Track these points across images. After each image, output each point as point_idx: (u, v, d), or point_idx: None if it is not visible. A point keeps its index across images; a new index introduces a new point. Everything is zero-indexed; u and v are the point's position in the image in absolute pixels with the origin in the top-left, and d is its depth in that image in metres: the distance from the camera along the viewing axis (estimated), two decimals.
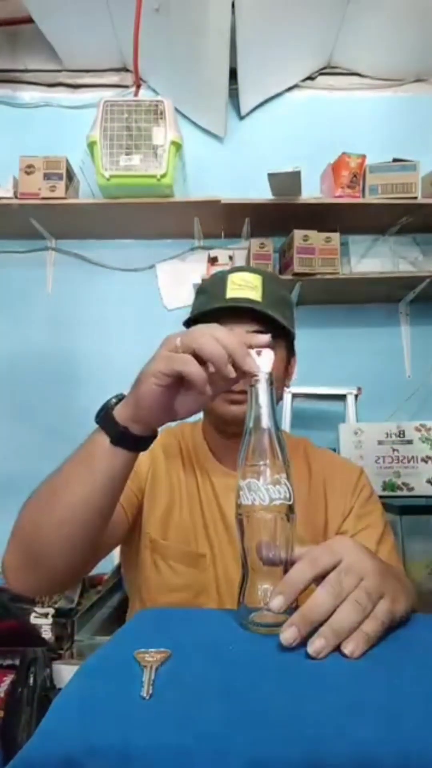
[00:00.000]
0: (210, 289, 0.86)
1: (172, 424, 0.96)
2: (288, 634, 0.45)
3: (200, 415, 0.94)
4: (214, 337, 0.55)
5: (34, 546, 0.64)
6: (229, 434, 0.85)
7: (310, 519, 0.84)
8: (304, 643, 0.45)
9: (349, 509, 0.86)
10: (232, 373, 0.55)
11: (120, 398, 0.63)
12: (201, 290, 0.90)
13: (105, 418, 0.62)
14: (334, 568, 0.49)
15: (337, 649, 0.45)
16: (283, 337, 0.85)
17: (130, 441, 0.61)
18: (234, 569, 0.81)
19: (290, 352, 0.89)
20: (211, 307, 0.82)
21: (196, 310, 0.87)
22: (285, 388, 0.98)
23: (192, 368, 0.54)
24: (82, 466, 0.62)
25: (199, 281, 2.00)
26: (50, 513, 0.63)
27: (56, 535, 0.62)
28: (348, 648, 0.44)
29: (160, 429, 0.97)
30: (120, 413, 0.61)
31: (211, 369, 0.56)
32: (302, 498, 0.86)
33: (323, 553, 0.50)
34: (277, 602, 0.48)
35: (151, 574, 0.83)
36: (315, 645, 0.44)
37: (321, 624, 0.46)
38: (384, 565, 0.54)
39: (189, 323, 0.87)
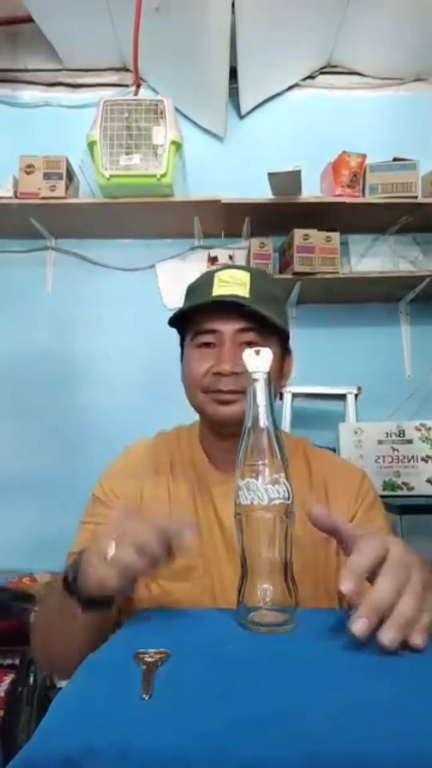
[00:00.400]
0: (197, 289, 0.84)
1: (166, 428, 0.95)
2: (360, 625, 0.45)
3: (197, 417, 0.91)
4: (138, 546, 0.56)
5: (48, 660, 0.77)
6: (224, 435, 0.83)
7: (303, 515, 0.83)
8: (305, 640, 0.45)
9: (353, 515, 0.84)
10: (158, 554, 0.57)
11: (76, 566, 0.62)
12: (189, 290, 0.88)
13: (70, 588, 0.62)
14: (384, 558, 0.50)
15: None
16: (274, 335, 0.82)
17: (98, 606, 0.61)
18: (230, 574, 0.79)
19: (285, 350, 0.86)
20: (196, 303, 0.79)
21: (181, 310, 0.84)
22: (282, 388, 0.97)
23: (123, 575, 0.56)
24: (68, 615, 0.63)
25: None
26: (52, 645, 0.71)
27: (65, 655, 0.67)
28: (418, 640, 0.45)
29: (154, 435, 0.96)
30: (83, 583, 0.60)
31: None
32: (302, 499, 0.85)
33: (375, 543, 0.51)
34: (347, 587, 0.48)
35: (143, 594, 0.80)
36: (390, 635, 0.45)
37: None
38: (418, 557, 0.55)
39: (174, 322, 0.85)
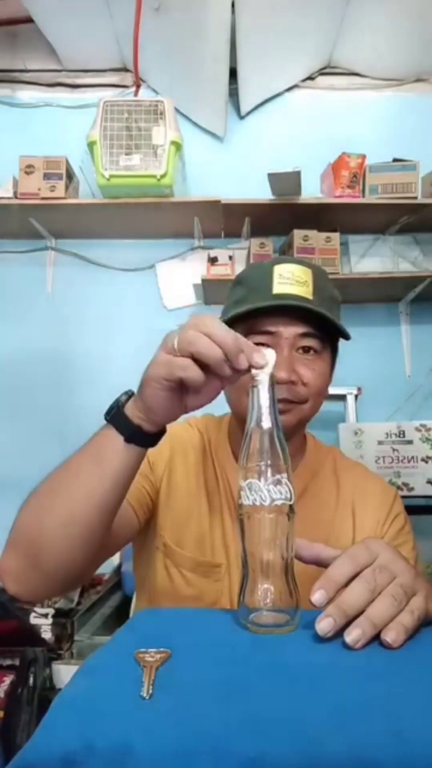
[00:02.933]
0: (250, 282, 0.77)
1: (198, 413, 0.93)
2: (324, 625, 0.45)
3: (228, 409, 0.86)
4: (210, 336, 0.53)
5: (34, 547, 0.61)
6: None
7: (334, 536, 0.78)
8: (306, 641, 0.45)
9: (380, 537, 0.79)
10: (228, 372, 0.54)
11: (130, 395, 0.61)
12: (238, 282, 0.81)
13: (117, 416, 0.60)
14: (370, 565, 0.50)
15: (375, 639, 0.45)
16: (331, 341, 0.77)
17: (143, 438, 0.60)
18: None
19: (333, 361, 0.81)
20: (256, 306, 0.72)
21: (235, 305, 0.77)
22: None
23: (191, 373, 0.53)
24: (91, 462, 0.60)
25: (199, 281, 2.00)
26: (52, 512, 0.61)
27: (59, 535, 0.60)
28: (389, 636, 0.44)
29: (184, 418, 0.94)
30: (132, 412, 0.59)
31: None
32: (328, 515, 0.81)
33: (361, 551, 0.51)
34: (319, 596, 0.48)
35: (163, 580, 0.79)
36: (353, 635, 0.44)
37: (356, 617, 0.46)
38: (415, 568, 0.53)
39: (230, 322, 0.76)
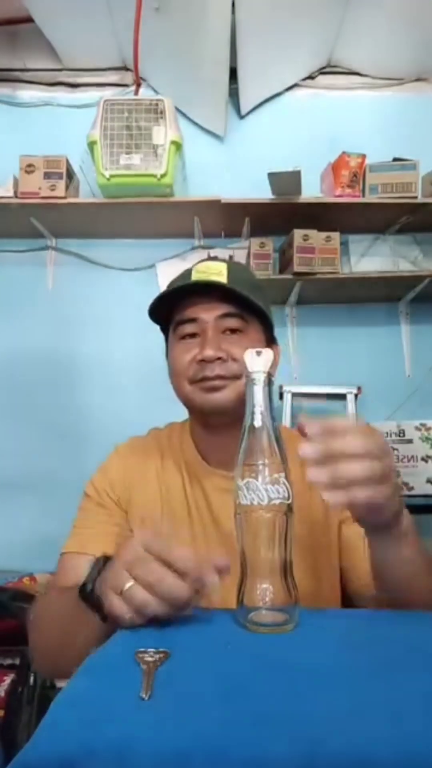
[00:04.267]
0: (175, 283, 0.84)
1: (160, 425, 0.95)
2: (308, 448, 0.50)
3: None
4: (146, 561, 0.52)
5: (58, 671, 0.69)
6: (213, 426, 0.82)
7: (306, 513, 0.80)
8: (305, 640, 0.45)
9: None
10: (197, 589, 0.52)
11: (99, 568, 0.58)
12: (168, 285, 0.87)
13: (91, 599, 0.57)
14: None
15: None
16: (257, 323, 0.82)
17: None
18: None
19: (269, 339, 0.85)
20: (168, 290, 0.80)
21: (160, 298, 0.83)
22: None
23: (139, 601, 0.51)
24: (82, 625, 0.59)
25: None
26: (63, 655, 0.62)
27: (76, 662, 0.60)
28: (361, 494, 0.49)
29: (147, 431, 0.95)
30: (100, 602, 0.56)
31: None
32: (298, 494, 0.84)
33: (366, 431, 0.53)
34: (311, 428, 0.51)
35: None
36: (313, 473, 0.49)
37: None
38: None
39: (157, 319, 0.85)
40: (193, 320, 0.79)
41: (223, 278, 0.78)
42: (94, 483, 0.86)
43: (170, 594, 0.50)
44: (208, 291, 0.78)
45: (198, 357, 0.77)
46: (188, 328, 0.80)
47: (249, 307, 0.79)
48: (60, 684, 1.41)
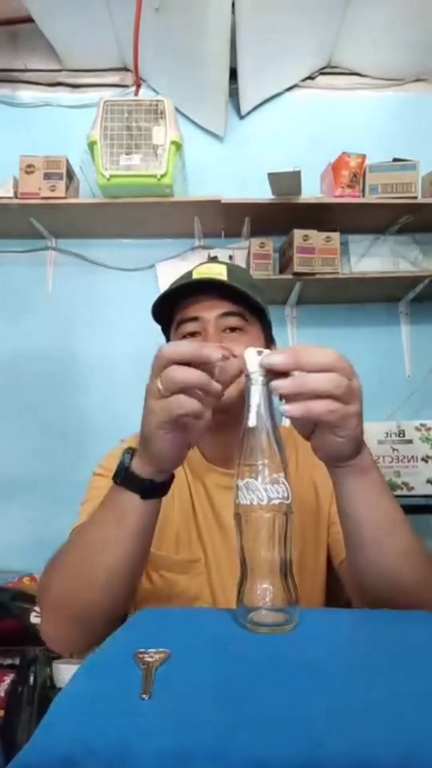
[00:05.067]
0: (177, 282, 0.85)
1: None
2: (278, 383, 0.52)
3: None
4: (183, 357, 0.55)
5: (76, 613, 0.64)
6: (214, 425, 0.83)
7: (295, 512, 0.82)
8: (305, 640, 0.45)
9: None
10: (217, 388, 0.56)
11: (132, 453, 0.63)
12: (170, 286, 0.88)
13: (128, 478, 0.62)
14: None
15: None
16: (257, 323, 0.84)
17: (157, 490, 0.62)
18: (226, 568, 0.81)
19: (268, 337, 0.87)
20: (169, 289, 0.81)
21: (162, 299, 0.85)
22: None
23: (188, 407, 0.55)
24: (115, 527, 0.62)
25: None
26: (89, 579, 0.63)
27: (100, 598, 0.63)
28: (320, 406, 0.51)
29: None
30: (140, 469, 0.61)
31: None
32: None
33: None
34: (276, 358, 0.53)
35: (144, 584, 0.81)
36: (277, 383, 0.51)
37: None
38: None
39: (160, 320, 0.87)
40: (194, 319, 0.80)
41: (223, 278, 0.80)
42: (103, 464, 0.88)
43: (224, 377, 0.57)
44: (208, 290, 0.79)
45: None
46: (189, 327, 0.81)
47: (249, 306, 0.81)
48: (60, 683, 1.41)
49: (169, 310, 0.84)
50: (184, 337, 0.81)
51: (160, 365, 0.56)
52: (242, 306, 0.80)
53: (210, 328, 0.79)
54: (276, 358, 0.52)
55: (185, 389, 0.55)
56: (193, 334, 0.81)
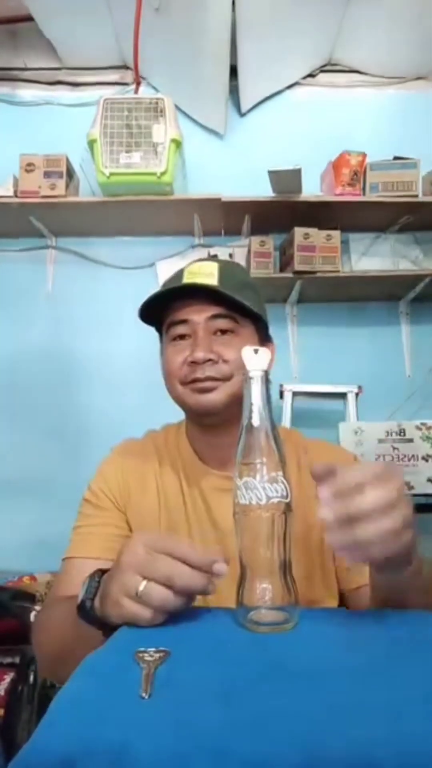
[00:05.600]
0: (167, 284, 0.83)
1: (156, 427, 0.96)
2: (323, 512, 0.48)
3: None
4: (187, 561, 0.51)
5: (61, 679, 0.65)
6: (208, 428, 0.82)
7: (301, 515, 0.81)
8: (305, 640, 0.45)
9: None
10: (213, 589, 0.52)
11: (98, 581, 0.58)
12: (162, 285, 0.86)
13: (89, 619, 0.57)
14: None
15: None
16: (250, 323, 0.82)
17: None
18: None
19: (263, 338, 0.85)
20: (157, 293, 0.79)
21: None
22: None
23: (170, 608, 0.51)
24: (84, 640, 0.57)
25: None
26: (67, 667, 0.60)
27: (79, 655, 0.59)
28: (379, 551, 0.47)
29: (144, 433, 0.96)
30: (102, 612, 0.55)
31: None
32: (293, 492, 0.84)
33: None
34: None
35: None
36: (331, 537, 0.48)
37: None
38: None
39: (150, 321, 0.86)
40: (184, 322, 0.80)
41: (214, 279, 0.78)
42: (92, 487, 0.87)
43: (189, 586, 0.50)
44: (198, 292, 0.78)
45: (189, 359, 0.77)
46: (179, 330, 0.80)
47: (241, 308, 0.79)
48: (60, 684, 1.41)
49: (161, 310, 0.83)
50: (174, 339, 0.81)
51: (154, 548, 0.52)
52: (233, 307, 0.79)
53: (200, 331, 0.78)
54: (326, 514, 0.48)
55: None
56: (182, 337, 0.80)
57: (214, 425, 0.81)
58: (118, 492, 0.85)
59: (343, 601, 0.82)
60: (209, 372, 0.76)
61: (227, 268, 0.81)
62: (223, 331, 0.79)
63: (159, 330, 0.88)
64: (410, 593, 0.60)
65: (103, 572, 0.58)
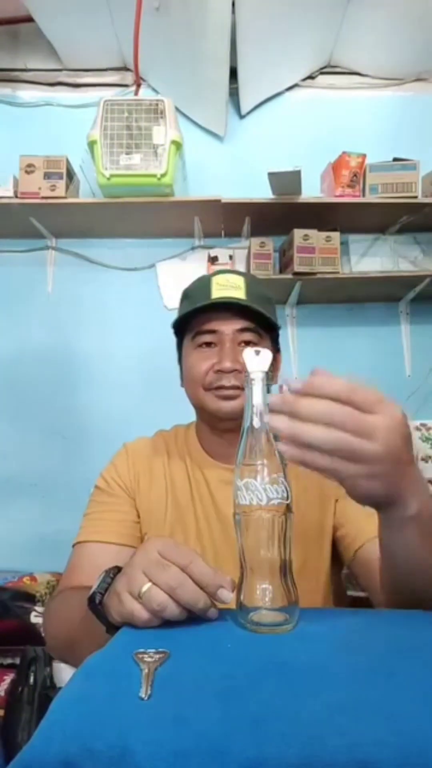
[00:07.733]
0: (194, 293, 0.89)
1: (163, 426, 1.00)
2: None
3: (194, 417, 0.96)
4: (198, 581, 0.51)
5: (68, 646, 0.71)
6: (222, 431, 0.87)
7: (299, 516, 0.81)
8: (305, 640, 0.45)
9: (338, 496, 0.86)
10: (214, 610, 0.53)
11: (112, 578, 0.58)
12: (185, 295, 0.93)
13: (98, 613, 0.57)
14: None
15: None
16: (269, 334, 0.89)
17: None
18: (226, 562, 0.81)
19: (275, 347, 0.92)
20: (197, 305, 0.85)
21: (182, 313, 0.89)
22: (273, 384, 1.01)
23: (169, 615, 0.51)
24: (91, 631, 0.58)
25: None
26: (74, 656, 0.66)
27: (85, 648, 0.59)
28: (320, 461, 0.47)
29: (154, 433, 1.00)
30: (109, 612, 0.55)
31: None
32: (301, 507, 0.84)
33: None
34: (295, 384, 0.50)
35: None
36: (274, 419, 0.48)
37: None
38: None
39: (177, 327, 0.91)
40: (212, 331, 0.85)
41: (241, 293, 0.85)
42: (104, 475, 0.92)
43: (189, 600, 0.50)
44: (228, 304, 0.84)
45: (216, 367, 0.83)
46: (207, 338, 0.86)
47: (265, 321, 0.86)
48: (60, 683, 1.41)
49: (185, 315, 0.88)
50: (200, 346, 0.86)
51: (168, 557, 0.52)
52: (258, 321, 0.85)
53: (227, 341, 0.84)
54: (273, 400, 0.49)
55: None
56: (208, 344, 0.86)
57: (228, 429, 0.85)
58: (129, 480, 0.90)
59: (351, 570, 0.84)
60: (234, 381, 0.82)
61: (252, 283, 0.88)
62: (247, 343, 0.85)
63: (177, 333, 0.93)
64: (412, 555, 0.57)
65: (118, 570, 0.59)
